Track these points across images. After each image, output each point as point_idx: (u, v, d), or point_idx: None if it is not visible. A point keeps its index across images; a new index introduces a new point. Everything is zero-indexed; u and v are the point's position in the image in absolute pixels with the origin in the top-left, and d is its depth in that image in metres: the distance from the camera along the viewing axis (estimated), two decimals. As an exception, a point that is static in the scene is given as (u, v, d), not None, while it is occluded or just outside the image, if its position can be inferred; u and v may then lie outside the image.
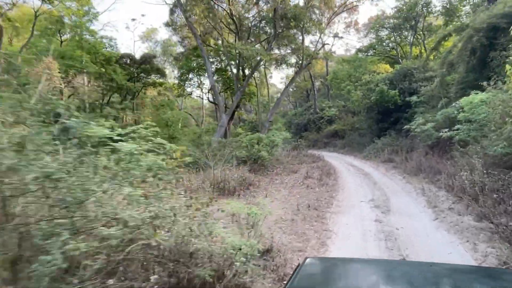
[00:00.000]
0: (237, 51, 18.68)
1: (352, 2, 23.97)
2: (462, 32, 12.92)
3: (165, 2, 21.68)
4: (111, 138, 2.72)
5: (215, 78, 24.23)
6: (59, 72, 14.07)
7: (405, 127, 13.73)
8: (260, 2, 20.67)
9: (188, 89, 29.10)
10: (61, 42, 20.27)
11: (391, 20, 25.97)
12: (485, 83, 8.84)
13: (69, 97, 14.20)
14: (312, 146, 26.64)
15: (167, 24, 24.65)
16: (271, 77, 42.11)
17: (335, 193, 9.06)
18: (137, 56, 24.74)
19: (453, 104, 10.53)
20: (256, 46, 21.10)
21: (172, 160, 3.26)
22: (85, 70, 19.05)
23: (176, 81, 28.39)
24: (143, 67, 23.02)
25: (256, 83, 26.15)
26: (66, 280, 2.40)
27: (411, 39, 25.64)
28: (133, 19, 38.91)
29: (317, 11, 21.92)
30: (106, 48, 21.66)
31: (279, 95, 33.45)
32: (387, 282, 1.73)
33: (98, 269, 2.50)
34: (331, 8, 22.65)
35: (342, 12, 25.02)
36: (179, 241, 2.83)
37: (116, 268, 2.97)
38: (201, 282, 3.01)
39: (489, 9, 12.03)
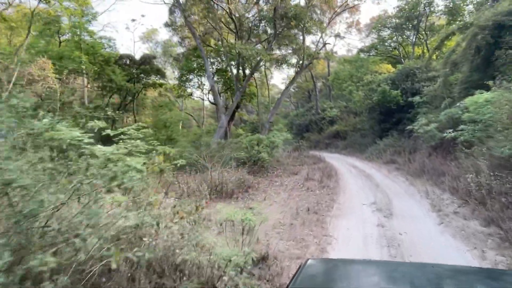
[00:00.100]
0: (237, 51, 18.48)
1: (353, 1, 23.74)
2: (466, 31, 12.67)
3: (164, 2, 21.53)
4: (89, 142, 2.49)
5: (215, 78, 24.05)
6: (53, 73, 13.88)
7: (408, 127, 13.44)
8: (260, 1, 20.49)
9: (189, 90, 28.91)
10: (60, 42, 20.14)
11: (393, 20, 25.69)
12: (490, 82, 8.60)
13: (61, 101, 13.78)
14: (314, 147, 26.36)
15: (166, 24, 24.56)
16: (272, 78, 42.00)
17: (336, 196, 8.81)
18: (137, 57, 24.58)
19: (457, 104, 10.30)
20: (256, 46, 20.92)
21: (155, 164, 3.02)
22: (84, 71, 18.90)
23: (177, 82, 28.20)
24: (143, 68, 22.77)
25: (256, 83, 25.95)
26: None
27: (414, 39, 25.29)
28: (133, 20, 38.90)
29: (318, 11, 21.75)
30: (105, 48, 21.44)
31: (280, 95, 33.25)
32: (388, 283, 1.72)
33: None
34: (332, 8, 22.45)
35: (343, 12, 24.78)
36: (163, 252, 2.59)
37: (99, 279, 2.78)
38: (188, 295, 2.80)
39: (494, 6, 11.78)
